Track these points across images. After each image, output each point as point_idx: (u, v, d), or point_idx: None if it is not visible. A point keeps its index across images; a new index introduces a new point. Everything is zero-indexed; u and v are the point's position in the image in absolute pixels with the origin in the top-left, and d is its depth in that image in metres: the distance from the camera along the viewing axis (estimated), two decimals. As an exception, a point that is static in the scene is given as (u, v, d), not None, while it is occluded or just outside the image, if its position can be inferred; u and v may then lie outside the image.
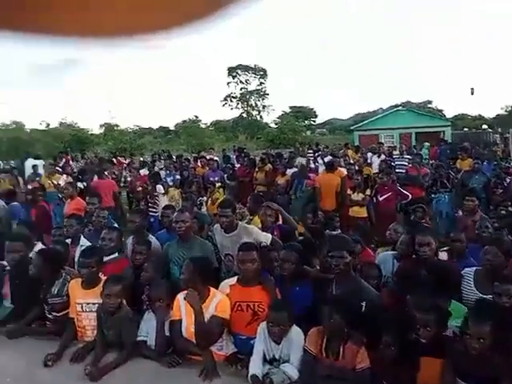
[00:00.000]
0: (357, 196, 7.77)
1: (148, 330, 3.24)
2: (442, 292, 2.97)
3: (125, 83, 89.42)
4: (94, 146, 36.39)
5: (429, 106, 53.28)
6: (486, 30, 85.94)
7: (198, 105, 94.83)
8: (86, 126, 42.19)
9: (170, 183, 9.92)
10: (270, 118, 53.50)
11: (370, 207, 7.97)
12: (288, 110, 53.36)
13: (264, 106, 53.11)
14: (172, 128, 57.36)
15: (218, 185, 9.67)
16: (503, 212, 7.31)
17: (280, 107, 71.69)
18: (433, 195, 8.83)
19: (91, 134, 42.80)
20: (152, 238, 4.58)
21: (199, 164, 12.01)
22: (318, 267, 3.81)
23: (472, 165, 9.39)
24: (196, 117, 51.37)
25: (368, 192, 7.90)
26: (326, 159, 11.99)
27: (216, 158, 13.40)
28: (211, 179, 10.46)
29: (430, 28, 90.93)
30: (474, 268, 3.31)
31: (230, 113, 55.15)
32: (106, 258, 3.98)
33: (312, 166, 10.62)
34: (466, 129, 28.52)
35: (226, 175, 11.00)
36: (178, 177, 9.96)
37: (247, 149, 18.38)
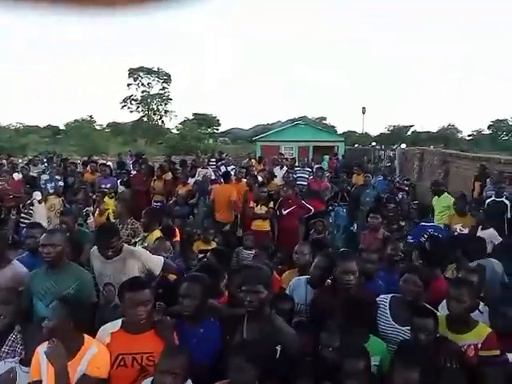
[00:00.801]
0: (260, 209, 7.46)
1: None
2: (360, 328, 2.66)
3: (8, 76, 79.99)
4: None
5: (323, 122, 56.71)
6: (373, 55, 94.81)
7: (93, 104, 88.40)
8: None
9: (51, 190, 8.62)
10: (172, 123, 51.99)
11: (273, 220, 7.72)
12: (191, 117, 52.52)
13: (166, 111, 51.46)
14: (62, 127, 52.70)
15: (108, 193, 8.66)
16: (395, 226, 7.63)
17: (183, 113, 70.40)
18: (331, 208, 8.95)
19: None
20: (15, 263, 3.62)
21: (88, 169, 10.73)
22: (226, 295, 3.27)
23: (364, 179, 9.79)
24: (90, 117, 47.88)
25: (271, 205, 7.64)
26: (230, 169, 11.65)
27: (109, 164, 12.22)
28: (102, 186, 9.36)
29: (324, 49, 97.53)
30: (389, 296, 3.08)
31: (129, 116, 52.14)
32: None
33: (213, 176, 10.10)
34: (356, 145, 30.70)
35: (119, 182, 9.98)
36: (60, 183, 8.69)
37: (146, 154, 17.24)
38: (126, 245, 3.72)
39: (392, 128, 56.93)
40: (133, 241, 4.35)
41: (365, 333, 2.70)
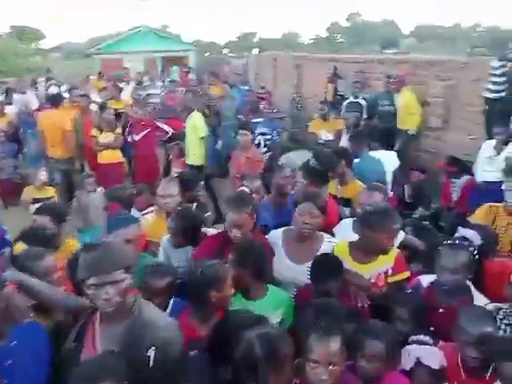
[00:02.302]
0: (105, 137, 6.13)
1: None
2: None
3: None
4: None
5: (167, 30, 52.38)
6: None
7: None
8: None
9: None
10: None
11: (126, 149, 6.53)
12: (8, 30, 43.20)
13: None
14: None
15: None
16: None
17: (-6, 26, 57.60)
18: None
19: None
20: None
21: None
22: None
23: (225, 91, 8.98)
24: None
25: (119, 130, 6.37)
26: (63, 89, 9.62)
27: None
28: None
29: None
30: (281, 230, 2.53)
31: None
32: None
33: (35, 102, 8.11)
34: (207, 53, 29.03)
35: None
36: None
37: None
38: None
39: (241, 34, 55.93)
40: None
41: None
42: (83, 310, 1.84)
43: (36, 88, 10.76)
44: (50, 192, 4.76)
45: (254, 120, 6.60)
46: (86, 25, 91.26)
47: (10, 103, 7.81)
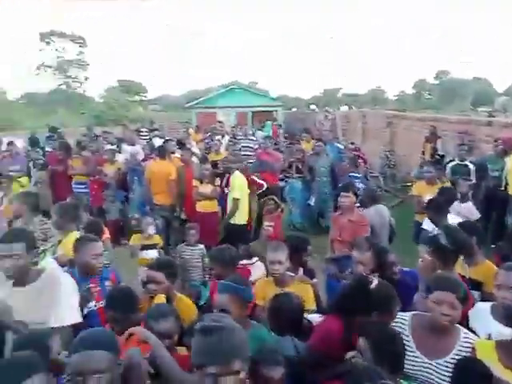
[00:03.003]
0: (205, 188, 6.40)
1: None
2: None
3: None
4: None
5: (256, 86, 55.34)
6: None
7: (3, 73, 78.59)
8: None
9: None
10: (95, 92, 47.96)
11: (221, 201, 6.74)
12: (115, 85, 48.66)
13: (87, 78, 47.13)
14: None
15: (16, 177, 7.11)
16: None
17: (104, 81, 65.36)
18: (284, 181, 8.13)
19: None
20: None
21: (-9, 148, 8.90)
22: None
23: (314, 147, 9.02)
24: (1, 87, 42.85)
25: (218, 182, 6.61)
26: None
27: (19, 141, 10.33)
28: (10, 169, 7.74)
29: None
30: (409, 314, 2.24)
31: (46, 84, 47.01)
32: None
33: (141, 153, 8.74)
34: (294, 109, 30.00)
35: (32, 163, 8.38)
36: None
37: (69, 126, 15.09)
38: (50, 267, 2.71)
39: (323, 91, 57.22)
40: (41, 248, 3.16)
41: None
42: None
43: (140, 138, 11.73)
44: (157, 239, 4.99)
45: (352, 174, 6.47)
46: (183, 79, 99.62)
47: (120, 152, 8.53)
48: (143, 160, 8.04)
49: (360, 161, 7.29)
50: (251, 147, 9.80)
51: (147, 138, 11.48)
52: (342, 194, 4.29)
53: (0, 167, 7.90)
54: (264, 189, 6.74)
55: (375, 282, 2.25)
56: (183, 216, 6.79)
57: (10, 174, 7.34)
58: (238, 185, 5.98)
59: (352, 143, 12.42)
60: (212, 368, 1.48)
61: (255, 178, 6.74)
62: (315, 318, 2.61)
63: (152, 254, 4.68)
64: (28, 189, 6.82)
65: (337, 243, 4.23)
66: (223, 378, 1.48)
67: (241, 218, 5.90)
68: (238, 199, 5.88)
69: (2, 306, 2.46)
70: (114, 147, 8.69)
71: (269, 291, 2.89)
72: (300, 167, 7.50)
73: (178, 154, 7.41)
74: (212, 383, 1.49)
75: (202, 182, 6.40)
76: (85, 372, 1.59)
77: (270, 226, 5.70)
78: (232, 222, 5.86)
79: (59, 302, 2.44)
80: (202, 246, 4.95)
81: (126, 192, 7.46)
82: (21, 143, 10.21)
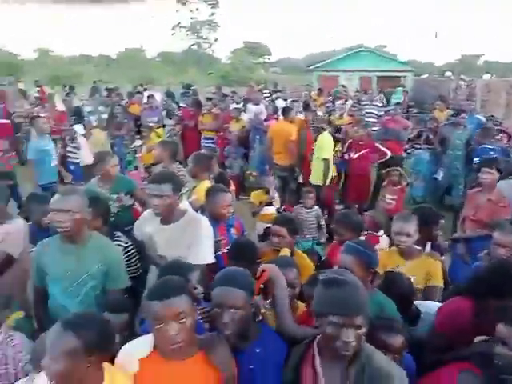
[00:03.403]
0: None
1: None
2: None
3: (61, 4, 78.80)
4: (26, 73, 32.31)
5: (384, 50, 51.77)
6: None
7: (143, 33, 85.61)
8: (17, 51, 37.72)
9: (94, 123, 7.92)
10: (222, 53, 49.89)
11: (340, 166, 6.62)
12: (241, 46, 49.76)
13: (216, 39, 49.00)
14: (114, 57, 52.30)
15: (154, 128, 7.84)
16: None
17: (232, 42, 67.23)
18: (409, 152, 7.63)
19: (22, 60, 38.33)
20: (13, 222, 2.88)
21: (134, 101, 9.89)
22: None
23: (449, 117, 8.21)
24: (141, 46, 47.03)
25: (338, 147, 6.47)
26: (287, 102, 10.36)
27: (157, 95, 11.31)
28: (148, 120, 8.56)
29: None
30: None
31: (180, 44, 50.15)
32: None
33: (264, 113, 8.88)
34: (425, 75, 27.46)
35: (166, 113, 9.12)
36: (104, 116, 7.92)
37: (197, 85, 16.03)
38: (191, 209, 2.96)
39: (460, 57, 51.12)
40: (189, 211, 3.49)
41: None
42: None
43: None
44: (274, 198, 5.14)
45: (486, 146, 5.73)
46: (303, 41, 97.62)
47: (244, 111, 8.82)
48: (265, 120, 8.21)
49: (502, 135, 6.44)
50: (375, 113, 9.35)
51: (270, 99, 11.66)
52: (484, 169, 3.87)
53: (141, 118, 8.79)
54: (387, 158, 6.41)
55: None
56: (301, 179, 6.85)
57: (150, 124, 8.14)
58: (327, 145, 5.98)
59: (492, 116, 11.04)
60: (335, 317, 1.52)
61: (378, 146, 6.44)
62: (429, 305, 2.45)
63: (271, 210, 4.84)
64: (164, 139, 7.49)
65: (469, 222, 3.88)
66: (345, 329, 1.51)
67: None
68: (327, 159, 5.89)
69: (149, 241, 2.80)
70: (240, 106, 9.01)
71: (392, 262, 2.80)
72: (430, 138, 6.92)
73: (302, 116, 7.38)
74: (334, 332, 1.53)
75: None
76: (223, 305, 1.74)
77: (392, 199, 5.46)
78: (315, 183, 5.86)
79: (200, 242, 2.67)
80: (316, 208, 5.05)
81: (245, 150, 7.73)
82: (159, 97, 11.18)
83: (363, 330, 1.55)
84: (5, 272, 2.72)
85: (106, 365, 1.61)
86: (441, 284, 2.66)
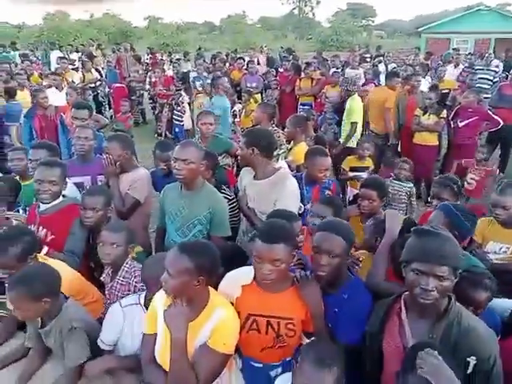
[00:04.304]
0: (428, 119, 6.00)
1: (115, 334, 2.07)
2: None
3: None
4: (137, 39, 34.93)
5: (506, 9, 45.58)
6: None
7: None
8: (130, 19, 40.73)
9: (199, 88, 8.42)
10: (324, 16, 48.26)
11: (442, 135, 6.25)
12: (345, 7, 47.57)
13: (318, 1, 47.35)
14: (217, 24, 53.66)
15: (254, 93, 8.08)
16: None
17: (335, 3, 64.25)
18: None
19: (135, 27, 41.23)
20: (138, 171, 3.27)
21: (235, 66, 10.21)
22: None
23: None
24: (243, 12, 47.48)
25: (444, 114, 6.08)
26: (391, 67, 9.90)
27: (258, 60, 11.52)
28: (248, 85, 8.83)
29: None
30: None
31: (281, 8, 49.66)
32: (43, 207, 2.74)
33: (362, 78, 8.54)
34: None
35: (266, 81, 9.29)
36: (208, 81, 8.35)
37: (296, 51, 15.90)
38: (284, 169, 3.11)
39: None
40: (275, 153, 3.65)
41: None
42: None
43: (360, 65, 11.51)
44: (368, 163, 5.08)
45: None
46: (413, 1, 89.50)
47: (343, 75, 8.60)
48: (363, 84, 7.96)
49: None
50: (490, 79, 8.51)
51: (371, 63, 11.19)
52: None
53: (241, 84, 9.09)
54: (498, 127, 5.90)
55: None
56: (399, 148, 6.63)
57: (249, 89, 8.39)
58: (358, 109, 5.91)
59: None
60: (417, 264, 1.57)
61: (490, 114, 5.93)
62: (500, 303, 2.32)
63: (361, 174, 4.80)
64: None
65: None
66: (425, 277, 1.55)
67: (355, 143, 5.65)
68: (356, 123, 5.80)
69: (241, 194, 3.05)
70: (339, 70, 8.83)
71: (492, 230, 2.73)
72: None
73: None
74: (414, 278, 1.58)
75: (425, 113, 6.01)
76: (322, 250, 1.92)
77: (473, 179, 5.00)
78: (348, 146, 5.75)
79: (284, 199, 2.76)
80: (411, 185, 4.68)
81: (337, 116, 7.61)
82: (262, 60, 11.36)
83: (448, 282, 1.56)
84: (131, 216, 3.13)
85: (211, 289, 1.90)
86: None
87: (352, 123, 5.88)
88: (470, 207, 3.37)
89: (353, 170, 5.08)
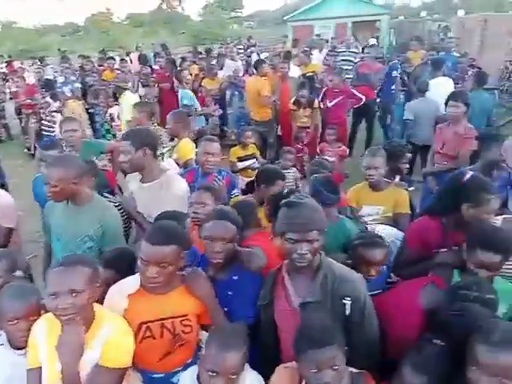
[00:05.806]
0: (304, 113, 6.37)
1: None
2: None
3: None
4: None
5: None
6: None
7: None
8: None
9: (69, 94, 7.82)
10: (192, 10, 48.02)
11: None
12: (212, 0, 47.82)
13: (185, -5, 46.88)
14: (81, 24, 50.05)
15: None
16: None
17: (202, -3, 64.30)
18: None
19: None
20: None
21: (106, 66, 9.67)
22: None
23: (425, 57, 8.24)
24: (108, 9, 44.96)
25: (316, 104, 6.47)
26: (263, 56, 10.28)
27: (129, 58, 11.07)
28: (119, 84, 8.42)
29: None
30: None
31: (147, 4, 48.17)
32: None
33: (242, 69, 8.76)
34: (401, 17, 26.95)
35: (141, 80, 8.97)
36: (77, 85, 7.80)
37: (169, 46, 15.58)
38: (170, 171, 3.00)
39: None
40: (158, 152, 3.57)
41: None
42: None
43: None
44: (253, 149, 5.25)
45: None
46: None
47: (221, 68, 8.72)
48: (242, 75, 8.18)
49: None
50: (351, 61, 9.35)
51: (245, 54, 11.51)
52: (450, 102, 4.03)
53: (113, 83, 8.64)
54: (361, 103, 6.54)
55: (469, 174, 2.20)
56: (279, 132, 6.95)
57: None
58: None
59: (465, 53, 11.10)
60: (291, 234, 1.73)
61: (353, 91, 6.54)
62: (388, 231, 2.66)
63: (249, 163, 4.95)
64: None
65: (438, 156, 4.09)
66: (300, 243, 1.72)
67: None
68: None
69: (129, 198, 2.93)
70: (214, 63, 8.91)
71: (364, 195, 3.02)
72: (404, 79, 7.02)
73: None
74: (290, 247, 1.74)
75: (300, 107, 6.31)
76: (214, 237, 2.00)
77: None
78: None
79: (172, 202, 2.61)
80: (295, 170, 4.96)
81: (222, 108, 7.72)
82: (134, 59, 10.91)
83: (318, 243, 1.75)
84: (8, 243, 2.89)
85: (96, 305, 1.76)
86: (408, 211, 2.89)
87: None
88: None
89: (241, 160, 5.22)
